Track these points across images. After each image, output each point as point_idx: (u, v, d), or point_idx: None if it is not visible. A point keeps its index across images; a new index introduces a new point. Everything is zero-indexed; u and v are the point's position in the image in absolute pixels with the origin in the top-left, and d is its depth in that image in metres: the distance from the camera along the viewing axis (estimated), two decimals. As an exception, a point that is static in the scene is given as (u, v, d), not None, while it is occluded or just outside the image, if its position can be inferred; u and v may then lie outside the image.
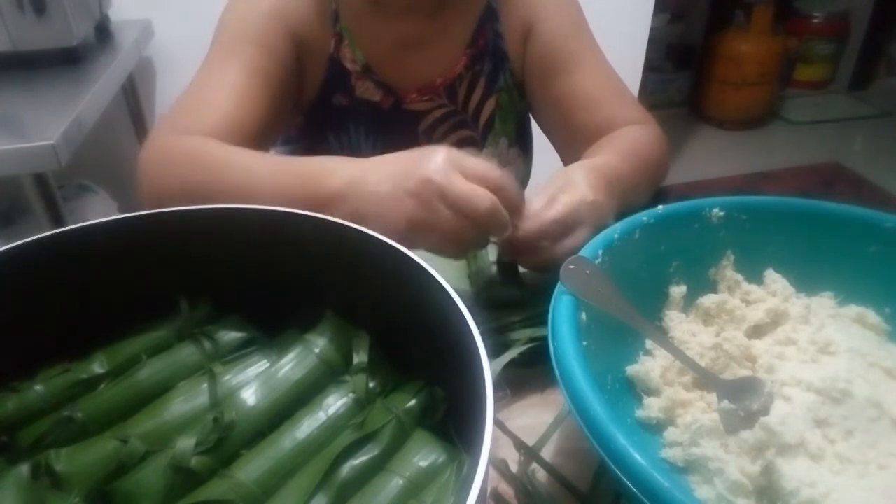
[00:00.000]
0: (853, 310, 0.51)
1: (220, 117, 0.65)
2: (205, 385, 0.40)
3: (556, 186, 0.55)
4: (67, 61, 1.24)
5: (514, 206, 0.49)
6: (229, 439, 0.37)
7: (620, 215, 0.52)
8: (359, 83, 0.80)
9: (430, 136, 0.86)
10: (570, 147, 0.80)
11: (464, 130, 0.87)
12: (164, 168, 0.61)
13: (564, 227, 0.52)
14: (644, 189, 0.70)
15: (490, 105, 0.85)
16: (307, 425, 0.38)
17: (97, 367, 0.41)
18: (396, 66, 0.80)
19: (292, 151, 0.89)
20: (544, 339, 0.42)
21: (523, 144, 0.92)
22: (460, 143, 0.87)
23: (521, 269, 0.58)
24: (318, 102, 0.80)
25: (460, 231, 0.47)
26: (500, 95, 0.85)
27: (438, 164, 0.48)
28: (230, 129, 0.64)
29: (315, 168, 0.55)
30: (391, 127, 0.83)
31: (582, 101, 0.78)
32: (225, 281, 0.45)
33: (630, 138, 0.73)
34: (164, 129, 0.65)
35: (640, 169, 0.68)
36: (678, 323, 0.51)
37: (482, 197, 0.46)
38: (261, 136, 0.69)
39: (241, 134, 0.65)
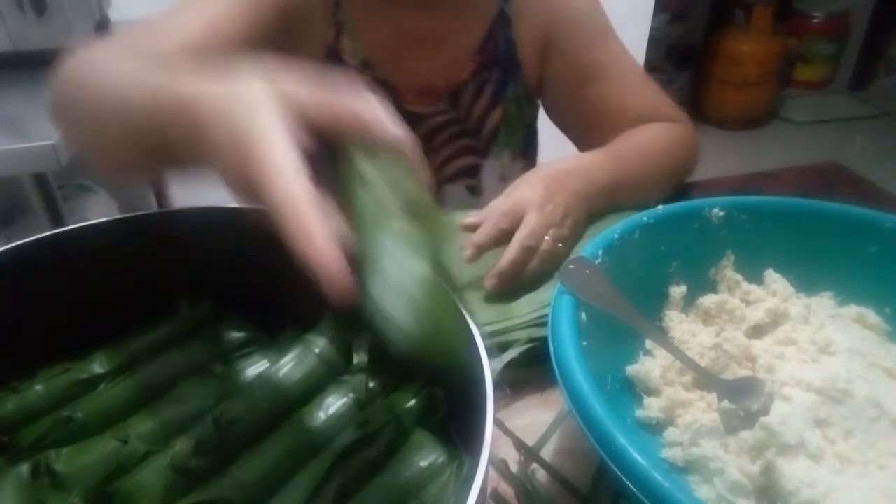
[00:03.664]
0: (853, 310, 0.51)
1: (182, 42, 0.58)
2: (205, 385, 0.40)
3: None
4: (67, 61, 1.24)
5: None
6: (229, 439, 0.37)
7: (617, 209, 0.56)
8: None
9: (429, 143, 0.82)
10: None
11: (465, 139, 0.83)
12: (65, 79, 0.50)
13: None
14: (649, 182, 0.70)
15: (496, 115, 0.82)
16: (307, 425, 0.38)
17: (97, 367, 0.41)
18: (397, 64, 0.77)
19: None
20: (544, 339, 0.42)
21: (529, 158, 0.89)
22: (461, 153, 0.84)
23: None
24: None
25: None
26: (507, 106, 0.82)
27: None
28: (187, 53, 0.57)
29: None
30: None
31: (615, 110, 0.77)
32: (225, 281, 0.45)
33: (643, 136, 0.73)
34: (101, 46, 0.53)
35: (638, 164, 0.69)
36: (678, 323, 0.51)
37: None
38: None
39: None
